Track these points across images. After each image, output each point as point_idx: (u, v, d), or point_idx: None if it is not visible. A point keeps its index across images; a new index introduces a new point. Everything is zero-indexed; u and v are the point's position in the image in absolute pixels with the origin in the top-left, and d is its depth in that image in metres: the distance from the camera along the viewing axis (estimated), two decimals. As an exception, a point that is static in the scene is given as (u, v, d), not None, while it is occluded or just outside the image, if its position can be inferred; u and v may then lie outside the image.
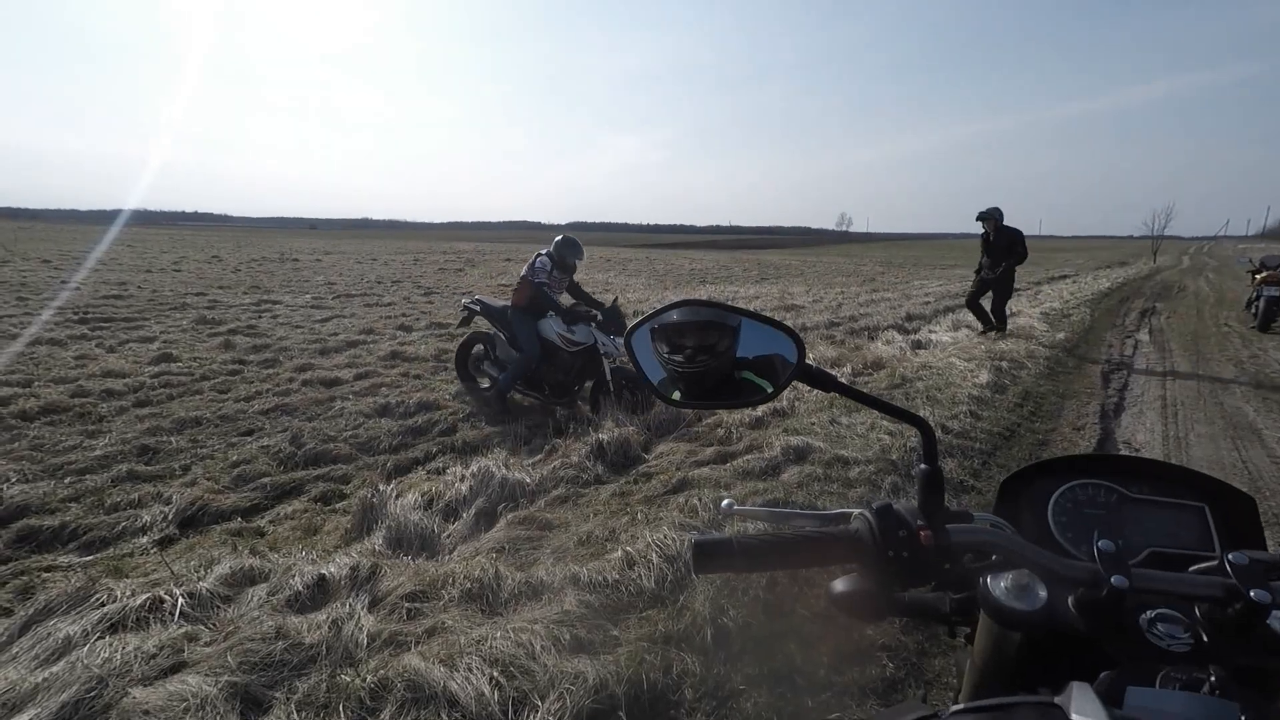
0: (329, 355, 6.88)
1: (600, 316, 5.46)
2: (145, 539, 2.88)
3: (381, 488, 3.03)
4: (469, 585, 2.13)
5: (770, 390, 0.67)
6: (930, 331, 8.64)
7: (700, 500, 2.86)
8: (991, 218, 7.52)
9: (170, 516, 3.04)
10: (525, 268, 5.40)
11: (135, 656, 1.77)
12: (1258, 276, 10.00)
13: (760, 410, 4.58)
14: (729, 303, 0.74)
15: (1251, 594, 0.52)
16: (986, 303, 8.04)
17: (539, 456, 3.90)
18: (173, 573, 2.32)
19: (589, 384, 5.34)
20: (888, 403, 0.69)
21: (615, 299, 6.11)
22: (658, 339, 0.71)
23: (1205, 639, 0.55)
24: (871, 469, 3.32)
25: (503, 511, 2.93)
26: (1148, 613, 0.57)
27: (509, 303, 5.53)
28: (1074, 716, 0.45)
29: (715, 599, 2.05)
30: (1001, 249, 7.58)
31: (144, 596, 2.07)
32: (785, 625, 1.99)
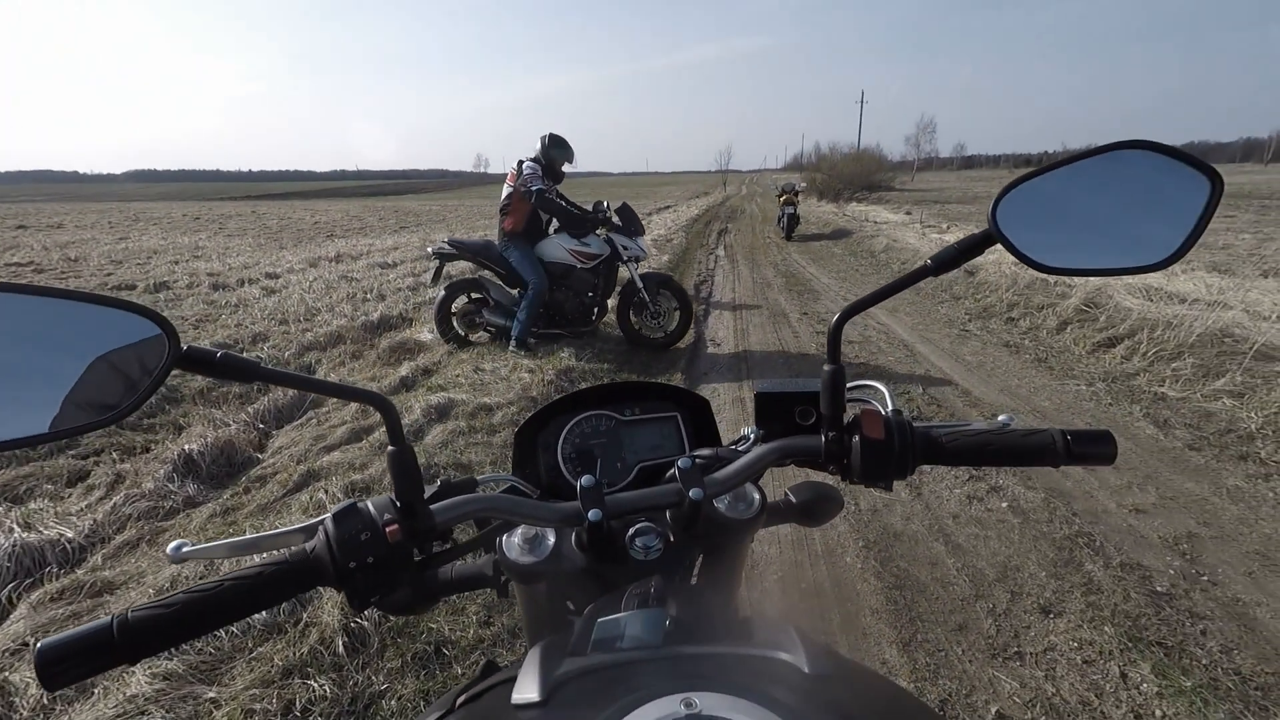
0: None
1: (614, 217, 4.63)
2: None
3: None
4: (-53, 727, 1.43)
5: (141, 394, 0.47)
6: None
7: (328, 492, 2.50)
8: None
9: None
10: (507, 186, 4.49)
11: None
12: (781, 199, 13.49)
13: (406, 370, 4.26)
14: (67, 288, 0.49)
15: (690, 494, 0.57)
16: None
17: (98, 494, 2.89)
18: None
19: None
20: (336, 384, 0.57)
21: (623, 203, 4.94)
22: None
23: (672, 539, 0.60)
24: (514, 410, 3.40)
25: (23, 592, 2.07)
26: (630, 530, 0.60)
27: (492, 236, 4.46)
28: (514, 697, 0.42)
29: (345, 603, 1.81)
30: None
31: None
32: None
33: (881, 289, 0.59)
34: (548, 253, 4.61)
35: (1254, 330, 4.22)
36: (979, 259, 0.58)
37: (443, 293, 4.76)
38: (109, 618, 0.43)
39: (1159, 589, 2.00)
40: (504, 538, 0.62)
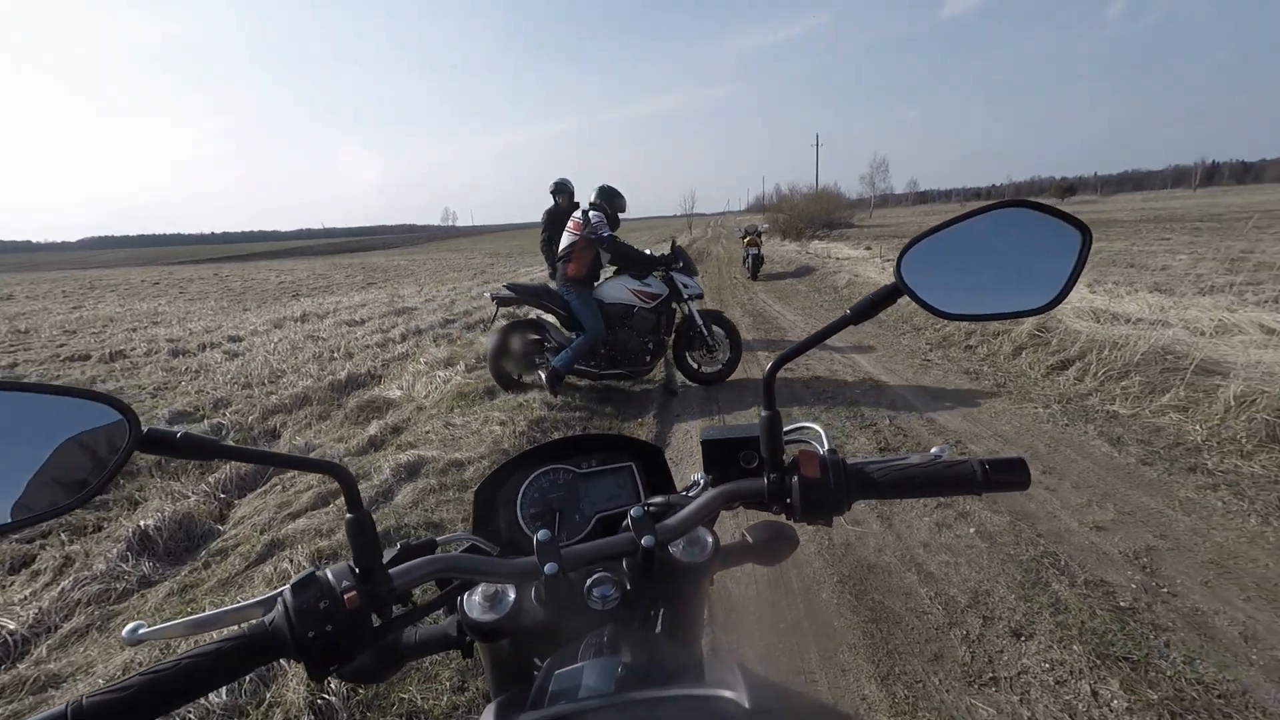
0: None
1: (675, 258, 4.88)
2: None
3: None
4: None
5: (101, 479, 0.48)
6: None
7: (293, 561, 2.42)
8: (565, 189, 6.56)
9: None
10: (568, 233, 4.68)
11: None
12: (745, 241, 13.88)
13: (374, 429, 4.21)
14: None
15: (643, 541, 0.60)
16: None
17: (44, 580, 2.74)
18: None
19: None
20: (294, 457, 0.60)
21: (674, 243, 5.20)
22: None
23: (629, 588, 0.62)
24: (486, 464, 3.37)
25: (-40, 691, 1.94)
26: (588, 581, 0.62)
27: (551, 280, 4.46)
28: None
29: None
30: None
31: None
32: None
33: (807, 339, 0.64)
34: (609, 294, 4.72)
35: (1193, 346, 4.44)
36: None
37: (498, 335, 4.74)
38: (64, 705, 0.43)
39: (1123, 604, 2.05)
40: (465, 597, 0.63)
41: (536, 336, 4.80)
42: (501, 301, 4.77)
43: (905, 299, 0.61)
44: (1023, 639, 1.93)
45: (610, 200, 4.79)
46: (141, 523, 2.83)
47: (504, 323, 4.85)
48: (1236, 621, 1.94)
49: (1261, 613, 1.98)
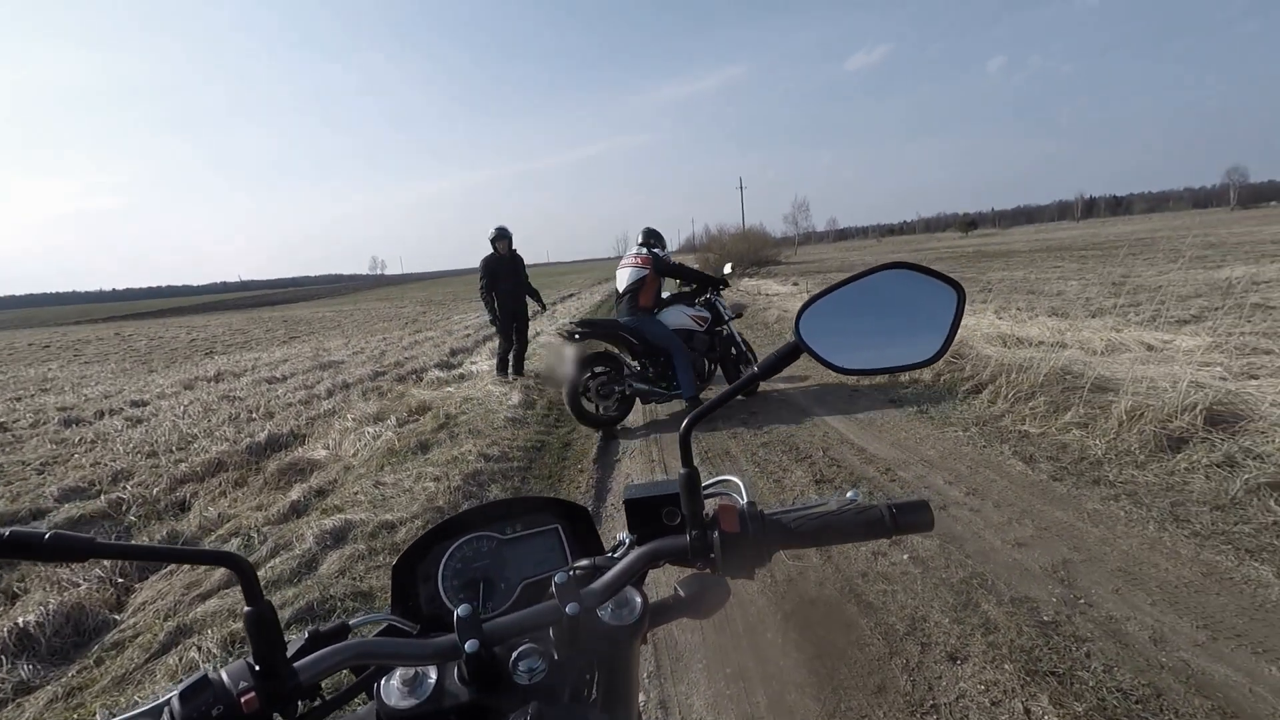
0: None
1: (724, 282, 5.71)
2: None
3: None
4: None
5: None
6: (472, 363, 9.12)
7: (202, 649, 2.21)
8: (505, 237, 6.87)
9: None
10: (634, 269, 5.27)
11: None
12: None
13: (297, 493, 3.95)
14: None
15: (567, 609, 0.58)
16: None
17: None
18: None
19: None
20: (181, 550, 0.56)
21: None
22: None
23: (557, 657, 0.60)
24: (419, 524, 3.22)
25: None
26: (513, 654, 0.59)
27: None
28: None
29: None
30: (520, 272, 7.03)
31: None
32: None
33: (720, 397, 0.66)
34: (672, 321, 5.27)
35: (1088, 365, 4.83)
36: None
37: (575, 370, 4.97)
38: None
39: (1046, 618, 2.15)
40: (382, 682, 0.59)
41: (606, 368, 5.09)
42: (577, 336, 5.11)
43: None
44: (958, 662, 1.98)
45: (659, 240, 5.60)
46: (20, 620, 2.52)
47: (574, 354, 5.12)
48: (1146, 626, 2.07)
49: (1166, 615, 2.12)
